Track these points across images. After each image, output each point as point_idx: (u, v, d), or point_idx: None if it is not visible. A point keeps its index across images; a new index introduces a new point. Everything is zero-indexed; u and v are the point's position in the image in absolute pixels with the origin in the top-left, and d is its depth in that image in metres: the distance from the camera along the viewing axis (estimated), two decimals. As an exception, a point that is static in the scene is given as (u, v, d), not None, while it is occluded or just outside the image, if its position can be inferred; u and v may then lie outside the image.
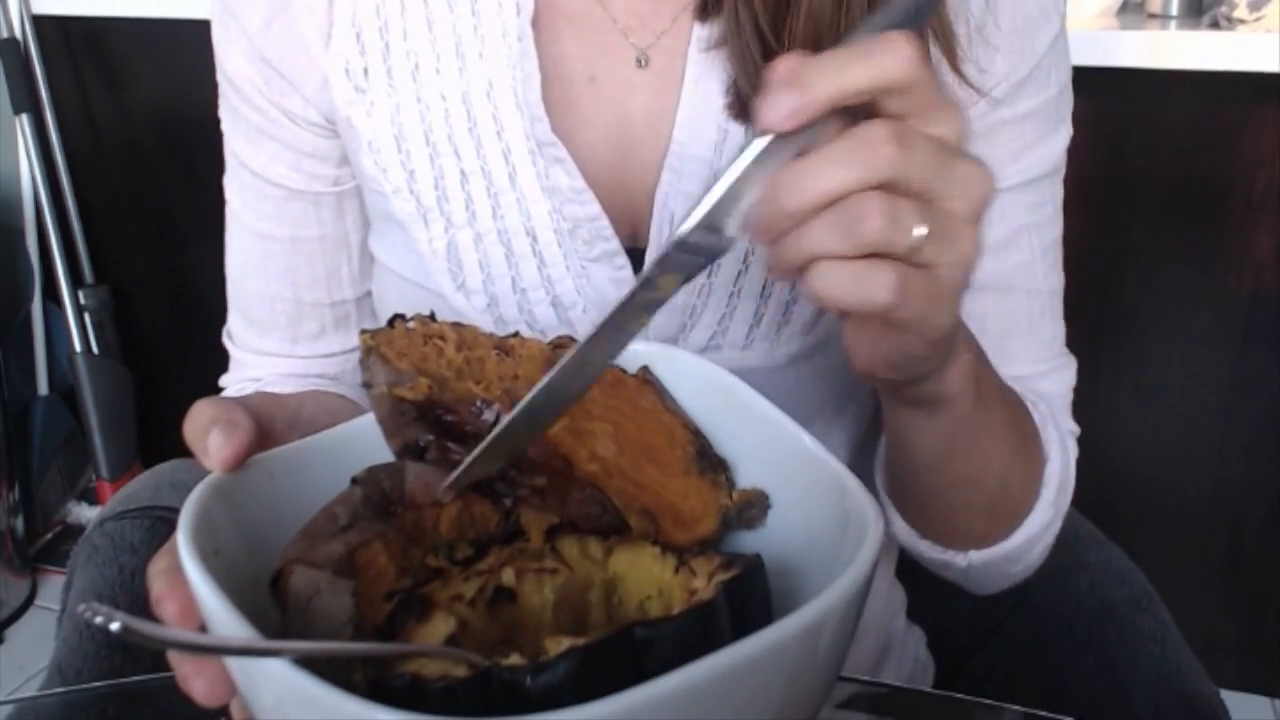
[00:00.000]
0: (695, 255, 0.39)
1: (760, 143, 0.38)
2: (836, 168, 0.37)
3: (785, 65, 0.38)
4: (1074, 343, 0.70)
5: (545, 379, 0.40)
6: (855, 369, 0.46)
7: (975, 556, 0.64)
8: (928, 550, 0.65)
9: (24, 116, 1.80)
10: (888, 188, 0.38)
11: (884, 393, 0.55)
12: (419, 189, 0.64)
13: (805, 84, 0.37)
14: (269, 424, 0.46)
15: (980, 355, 0.55)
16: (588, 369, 0.41)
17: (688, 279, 0.40)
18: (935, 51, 0.59)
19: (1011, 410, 0.61)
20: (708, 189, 0.39)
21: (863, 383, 0.58)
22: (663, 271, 0.39)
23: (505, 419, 0.42)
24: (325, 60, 0.64)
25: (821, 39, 0.56)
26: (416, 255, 0.65)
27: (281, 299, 0.71)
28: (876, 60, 0.37)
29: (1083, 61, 0.68)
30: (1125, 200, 1.51)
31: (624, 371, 0.50)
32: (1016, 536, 0.63)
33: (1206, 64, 1.35)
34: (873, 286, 0.38)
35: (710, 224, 0.39)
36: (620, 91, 0.63)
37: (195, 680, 0.38)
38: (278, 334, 0.72)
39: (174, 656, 0.40)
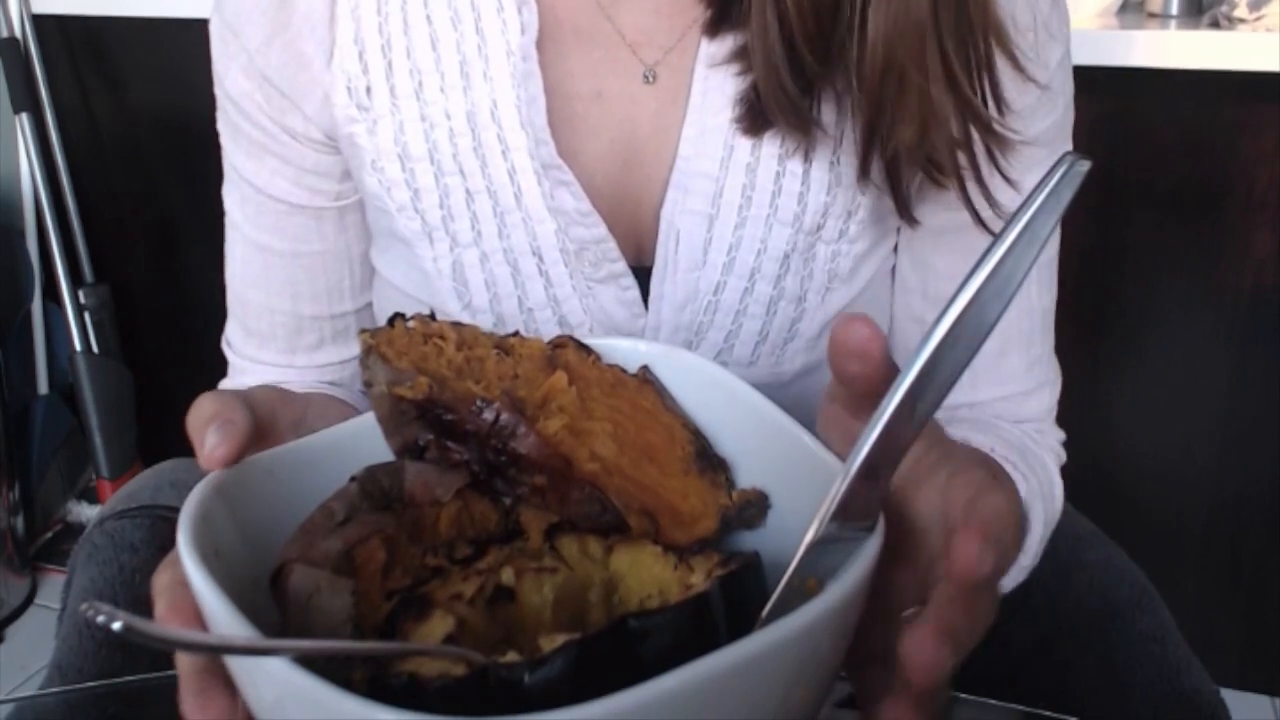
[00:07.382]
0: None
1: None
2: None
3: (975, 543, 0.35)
4: (1074, 343, 0.70)
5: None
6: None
7: None
8: None
9: (24, 116, 1.80)
10: None
11: None
12: (424, 207, 0.63)
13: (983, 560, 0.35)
14: (271, 421, 0.46)
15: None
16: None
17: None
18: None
19: None
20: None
21: None
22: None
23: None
24: (327, 78, 0.63)
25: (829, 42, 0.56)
26: (421, 273, 0.65)
27: (281, 311, 0.71)
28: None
29: (1083, 61, 0.68)
30: (1125, 200, 1.51)
31: (624, 371, 0.50)
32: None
33: (1206, 64, 1.35)
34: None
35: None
36: (627, 107, 0.63)
37: (198, 715, 0.38)
38: (275, 345, 0.72)
39: (181, 689, 0.39)
